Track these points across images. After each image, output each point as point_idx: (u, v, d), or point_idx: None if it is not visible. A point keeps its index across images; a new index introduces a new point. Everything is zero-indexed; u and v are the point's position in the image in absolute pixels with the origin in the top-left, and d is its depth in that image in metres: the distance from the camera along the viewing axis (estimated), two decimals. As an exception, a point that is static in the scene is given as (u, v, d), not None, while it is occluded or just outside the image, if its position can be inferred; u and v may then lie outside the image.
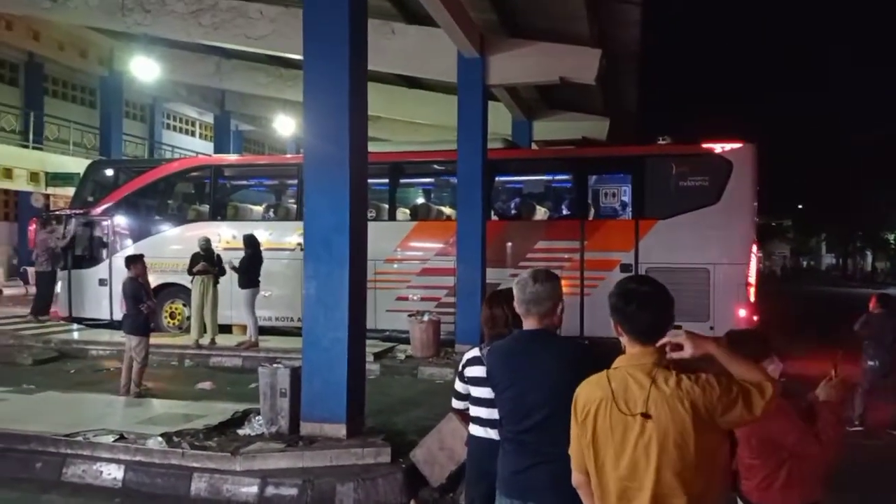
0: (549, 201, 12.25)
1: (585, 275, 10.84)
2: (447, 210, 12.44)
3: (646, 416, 2.02)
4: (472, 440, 3.16)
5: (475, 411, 3.12)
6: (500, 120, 14.84)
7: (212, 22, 12.02)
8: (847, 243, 53.94)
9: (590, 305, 10.64)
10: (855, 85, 42.08)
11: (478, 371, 3.08)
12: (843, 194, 43.84)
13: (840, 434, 2.76)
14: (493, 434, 3.01)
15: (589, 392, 2.17)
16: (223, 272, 10.85)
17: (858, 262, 56.49)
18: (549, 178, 12.60)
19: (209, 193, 13.04)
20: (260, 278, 10.82)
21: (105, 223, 12.85)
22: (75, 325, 12.61)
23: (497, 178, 12.07)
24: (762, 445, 2.78)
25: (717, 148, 10.63)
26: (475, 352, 3.17)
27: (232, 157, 18.11)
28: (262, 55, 15.48)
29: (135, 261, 8.33)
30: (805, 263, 67.14)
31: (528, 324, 2.78)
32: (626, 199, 11.43)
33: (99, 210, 12.92)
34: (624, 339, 2.19)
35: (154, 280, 10.51)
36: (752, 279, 10.43)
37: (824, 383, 2.85)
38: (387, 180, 12.24)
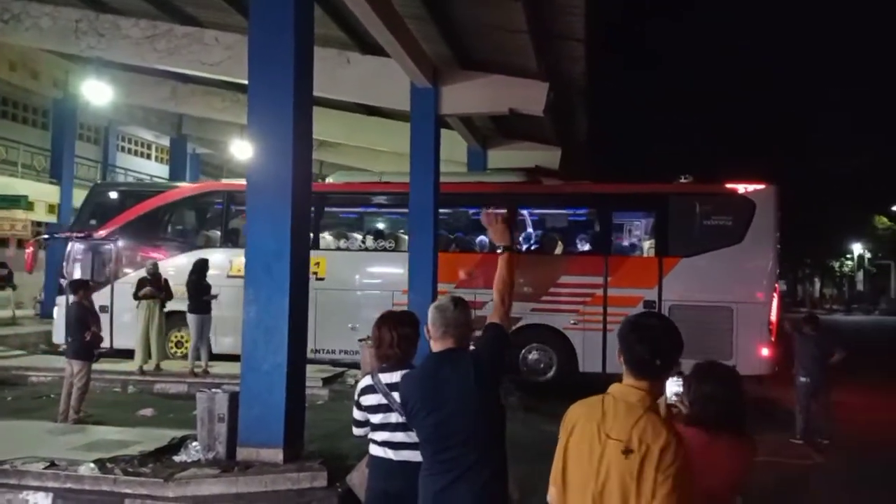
0: (572, 236, 12.02)
1: (608, 310, 10.70)
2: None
3: (627, 451, 2.08)
4: (372, 460, 3.27)
5: (373, 435, 3.23)
6: (456, 148, 15.11)
7: (167, 47, 12.02)
8: (796, 271, 55.70)
9: (612, 341, 10.57)
10: (800, 117, 43.88)
11: (372, 399, 3.21)
12: (791, 223, 45.33)
13: None
14: (391, 454, 3.14)
15: (575, 408, 2.27)
16: (170, 297, 10.70)
17: (808, 288, 58.33)
18: (571, 212, 12.54)
19: (222, 219, 12.71)
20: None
21: (107, 247, 12.41)
22: (16, 351, 12.23)
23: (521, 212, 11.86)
24: None
25: (741, 189, 10.78)
26: (368, 380, 3.29)
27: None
28: (219, 80, 15.47)
29: (81, 286, 8.33)
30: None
31: (442, 345, 2.86)
32: (650, 235, 11.44)
33: (102, 234, 12.44)
34: (623, 368, 2.25)
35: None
36: (774, 318, 10.40)
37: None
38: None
